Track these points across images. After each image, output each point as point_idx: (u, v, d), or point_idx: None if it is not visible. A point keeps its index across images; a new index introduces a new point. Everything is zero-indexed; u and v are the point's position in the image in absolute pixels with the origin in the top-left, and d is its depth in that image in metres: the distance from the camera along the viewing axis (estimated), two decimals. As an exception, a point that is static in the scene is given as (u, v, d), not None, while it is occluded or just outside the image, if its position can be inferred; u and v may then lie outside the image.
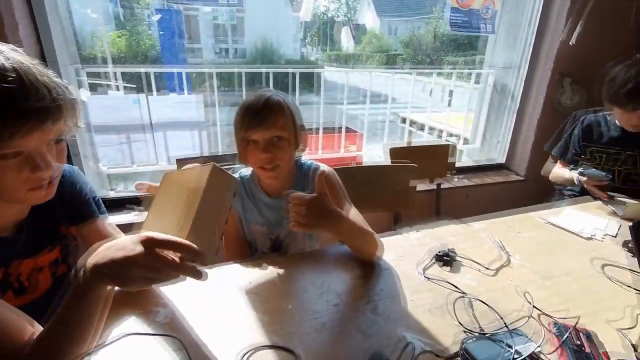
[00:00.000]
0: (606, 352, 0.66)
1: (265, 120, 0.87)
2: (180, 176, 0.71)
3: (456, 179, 2.10)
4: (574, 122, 1.52)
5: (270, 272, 0.88)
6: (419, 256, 0.97)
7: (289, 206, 0.74)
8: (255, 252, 1.09)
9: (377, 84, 2.51)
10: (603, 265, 0.96)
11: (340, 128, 2.34)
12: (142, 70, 1.82)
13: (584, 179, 1.35)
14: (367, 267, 0.92)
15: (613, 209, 1.29)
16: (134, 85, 1.86)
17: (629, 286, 0.87)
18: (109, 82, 1.79)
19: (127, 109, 1.68)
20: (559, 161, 1.53)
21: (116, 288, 0.66)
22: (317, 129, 2.32)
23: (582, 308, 0.80)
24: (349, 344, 0.67)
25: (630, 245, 1.03)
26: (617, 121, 1.36)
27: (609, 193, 1.31)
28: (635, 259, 0.91)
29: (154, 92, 1.77)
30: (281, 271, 0.89)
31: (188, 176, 0.67)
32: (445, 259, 0.95)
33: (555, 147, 1.53)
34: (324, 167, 1.05)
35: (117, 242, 0.55)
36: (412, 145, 1.81)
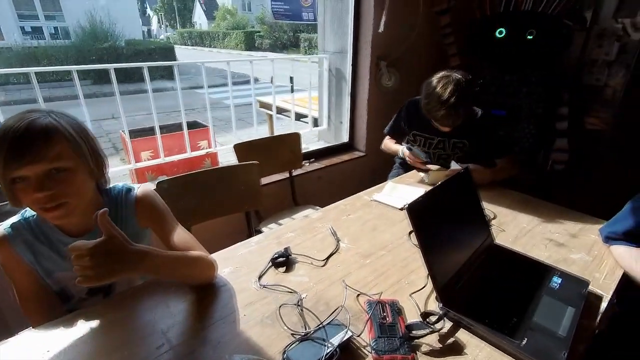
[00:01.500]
0: (403, 317, 0.79)
1: (31, 151, 0.68)
2: None
3: (307, 164, 2.20)
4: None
5: (78, 328, 0.75)
6: (256, 263, 0.97)
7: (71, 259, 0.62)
8: (70, 300, 0.91)
9: (232, 66, 2.38)
10: (410, 232, 1.14)
11: (181, 125, 2.14)
12: None
13: (408, 153, 1.60)
14: (202, 290, 0.87)
15: (422, 175, 1.56)
16: None
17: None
18: None
19: None
20: (390, 135, 1.76)
21: None
22: (153, 128, 2.07)
23: (392, 278, 0.93)
24: (171, 391, 0.62)
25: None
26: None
27: (425, 166, 1.58)
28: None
29: None
30: (94, 323, 0.76)
31: None
32: (281, 259, 0.97)
33: (388, 126, 1.75)
34: (138, 188, 0.93)
35: None
36: (256, 139, 1.79)
